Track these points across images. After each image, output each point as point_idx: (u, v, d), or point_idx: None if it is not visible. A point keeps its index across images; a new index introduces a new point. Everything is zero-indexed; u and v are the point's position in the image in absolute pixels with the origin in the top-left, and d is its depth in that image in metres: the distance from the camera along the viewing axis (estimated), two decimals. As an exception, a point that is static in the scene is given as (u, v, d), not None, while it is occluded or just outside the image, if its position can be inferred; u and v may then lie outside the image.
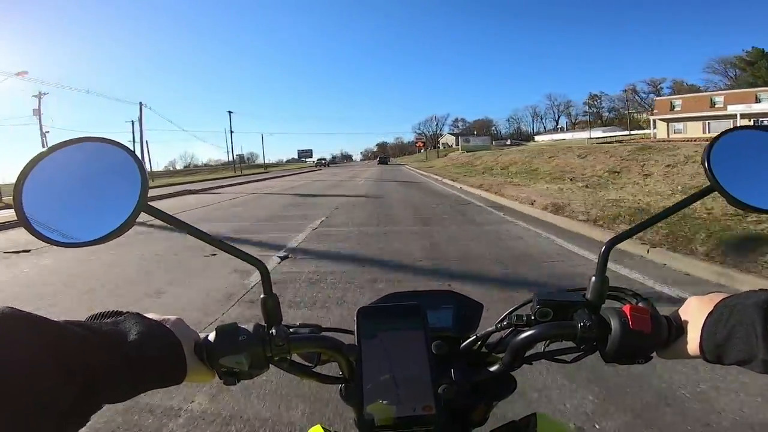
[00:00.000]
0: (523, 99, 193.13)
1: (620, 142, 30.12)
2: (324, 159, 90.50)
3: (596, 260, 0.52)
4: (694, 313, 0.45)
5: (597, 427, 1.76)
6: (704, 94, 47.54)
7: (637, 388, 2.01)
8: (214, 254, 5.00)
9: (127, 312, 0.44)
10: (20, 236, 6.62)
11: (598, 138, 52.28)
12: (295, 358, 0.53)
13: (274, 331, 0.49)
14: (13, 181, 0.43)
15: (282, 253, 5.11)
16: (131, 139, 40.01)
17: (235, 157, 63.32)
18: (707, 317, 0.43)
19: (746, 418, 1.78)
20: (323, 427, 0.60)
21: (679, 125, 44.78)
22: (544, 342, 0.52)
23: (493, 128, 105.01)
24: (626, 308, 0.47)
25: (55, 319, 0.36)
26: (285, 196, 14.40)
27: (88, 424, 0.35)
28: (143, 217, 0.44)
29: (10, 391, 0.30)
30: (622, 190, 9.12)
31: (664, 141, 27.40)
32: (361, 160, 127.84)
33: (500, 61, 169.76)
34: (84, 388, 0.34)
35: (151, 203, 0.44)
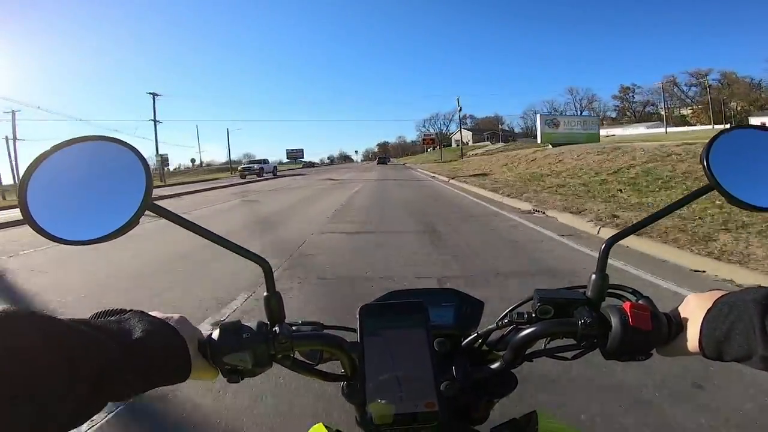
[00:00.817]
0: (537, 94, 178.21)
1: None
2: (261, 163, 39.87)
3: None
4: (694, 310, 0.46)
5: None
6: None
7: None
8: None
9: (131, 310, 0.44)
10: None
11: (680, 133, 38.81)
12: (298, 355, 0.54)
13: (277, 328, 0.50)
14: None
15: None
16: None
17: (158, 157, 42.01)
18: (706, 314, 0.43)
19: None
20: (325, 425, 0.60)
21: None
22: (544, 339, 0.53)
23: (506, 125, 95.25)
24: (626, 306, 0.48)
25: (60, 317, 0.36)
26: None
27: (90, 420, 0.36)
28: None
29: (16, 390, 0.30)
30: None
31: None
32: (361, 161, 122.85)
33: (515, 53, 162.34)
34: (89, 386, 0.35)
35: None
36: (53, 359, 0.33)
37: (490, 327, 0.55)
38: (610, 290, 0.53)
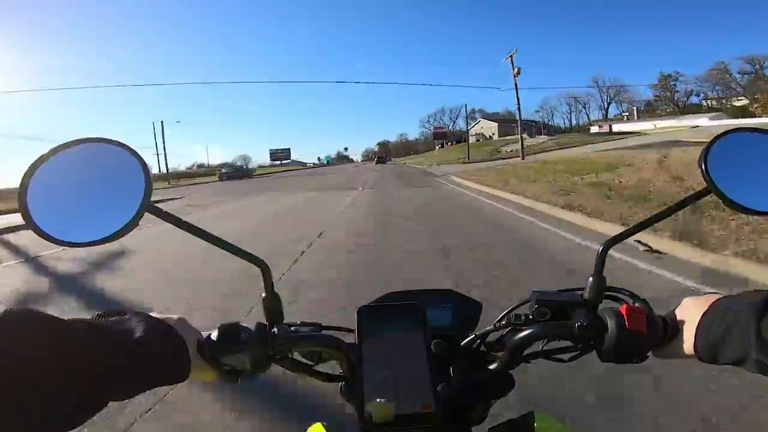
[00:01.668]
0: (551, 89, 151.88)
1: None
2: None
3: None
4: (690, 313, 0.46)
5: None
6: None
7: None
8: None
9: (131, 310, 0.44)
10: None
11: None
12: (296, 356, 0.54)
13: (275, 329, 0.50)
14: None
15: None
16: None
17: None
18: (702, 317, 0.43)
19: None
20: (323, 425, 0.61)
21: None
22: (542, 341, 0.53)
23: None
24: (623, 308, 0.48)
25: (61, 317, 0.37)
26: None
27: (90, 420, 0.36)
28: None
29: (16, 389, 0.30)
30: None
31: None
32: (361, 161, 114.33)
33: (536, 41, 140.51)
34: (89, 386, 0.35)
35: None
36: (54, 359, 0.33)
37: (488, 328, 0.56)
38: (607, 292, 0.53)
